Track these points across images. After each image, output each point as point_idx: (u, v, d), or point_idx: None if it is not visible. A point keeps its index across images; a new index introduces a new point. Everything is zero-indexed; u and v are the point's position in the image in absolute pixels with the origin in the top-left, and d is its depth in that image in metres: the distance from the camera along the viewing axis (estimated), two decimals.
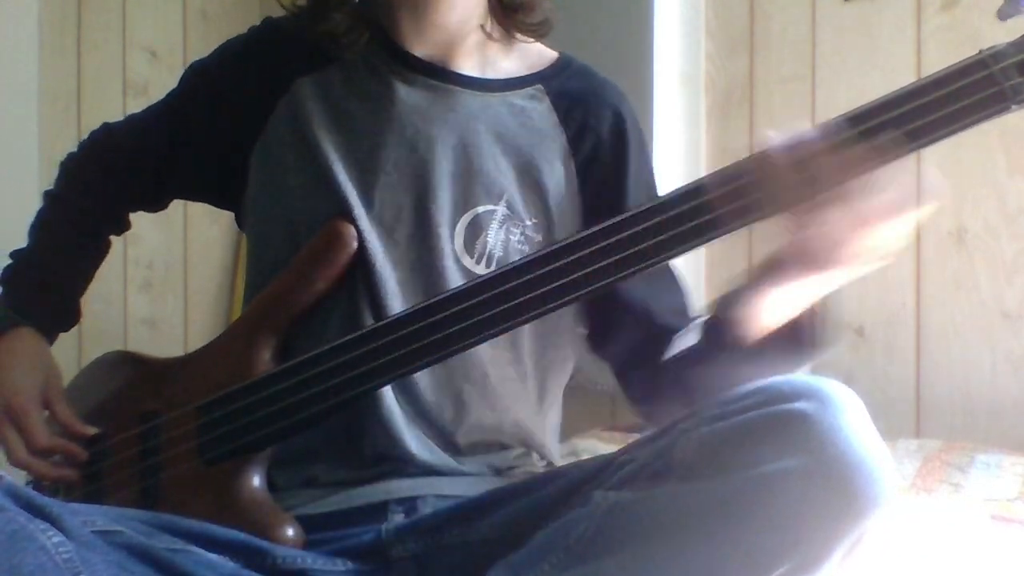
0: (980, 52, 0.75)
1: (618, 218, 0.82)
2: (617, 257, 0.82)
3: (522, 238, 1.00)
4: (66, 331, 1.14)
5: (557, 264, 0.84)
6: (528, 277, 0.84)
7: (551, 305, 0.84)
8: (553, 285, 0.84)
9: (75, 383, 1.13)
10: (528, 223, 1.01)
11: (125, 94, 2.24)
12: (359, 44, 1.03)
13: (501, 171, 1.01)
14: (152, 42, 2.29)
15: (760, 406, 0.75)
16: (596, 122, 1.05)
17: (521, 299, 0.85)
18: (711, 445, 0.75)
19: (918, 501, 1.29)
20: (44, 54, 2.07)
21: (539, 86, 1.06)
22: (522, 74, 1.07)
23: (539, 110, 1.05)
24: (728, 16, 2.02)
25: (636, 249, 0.81)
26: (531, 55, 1.08)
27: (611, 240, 0.82)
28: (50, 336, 1.10)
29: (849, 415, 0.72)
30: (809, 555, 0.71)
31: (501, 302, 0.85)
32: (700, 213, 0.80)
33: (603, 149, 1.05)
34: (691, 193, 0.81)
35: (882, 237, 0.77)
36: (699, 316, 1.04)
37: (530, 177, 1.02)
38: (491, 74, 1.06)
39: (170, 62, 2.29)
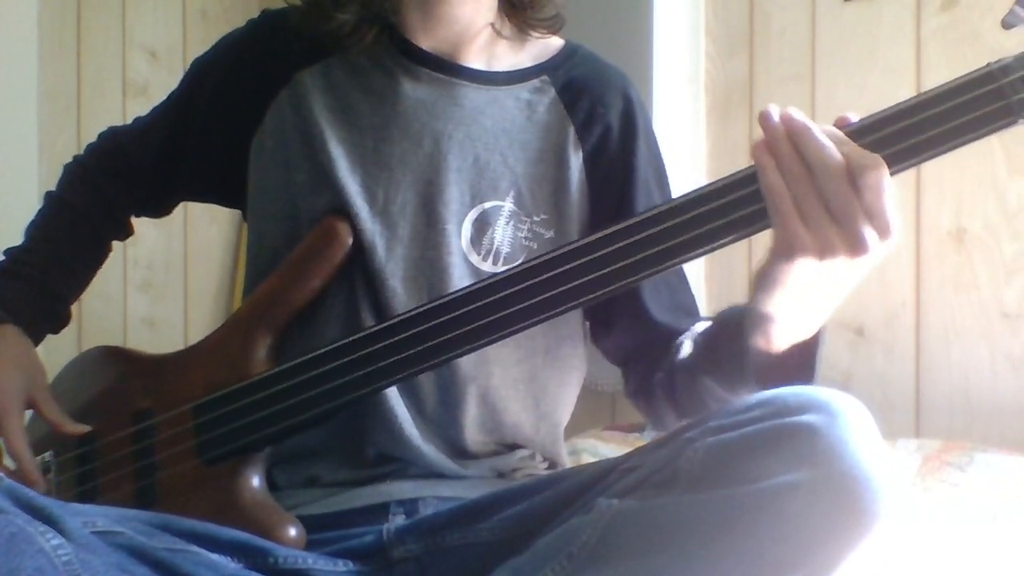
0: (988, 65, 0.73)
1: (628, 222, 0.81)
2: (625, 262, 0.80)
3: (530, 234, 1.00)
4: (55, 333, 1.12)
5: (568, 266, 0.82)
6: (537, 279, 0.83)
7: (561, 308, 0.83)
8: (563, 288, 0.82)
9: (61, 379, 1.11)
10: (536, 219, 1.00)
11: (125, 94, 2.24)
12: (365, 42, 1.01)
13: (508, 166, 1.01)
14: (152, 42, 2.29)
15: (767, 418, 0.74)
16: (604, 109, 1.05)
17: (530, 302, 0.83)
18: (717, 456, 0.74)
19: (917, 501, 1.29)
20: (44, 54, 2.07)
21: (544, 77, 1.06)
22: (527, 65, 1.07)
23: (545, 103, 1.04)
24: (728, 16, 2.02)
25: (646, 254, 0.80)
26: (537, 45, 1.08)
27: (620, 244, 0.81)
28: (36, 337, 1.08)
29: (857, 428, 0.71)
30: (814, 569, 0.70)
31: (509, 305, 0.84)
32: (707, 219, 0.78)
33: (611, 135, 1.05)
34: (700, 199, 0.79)
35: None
36: (701, 319, 1.03)
37: (538, 172, 1.02)
38: (497, 67, 1.05)
39: (170, 62, 2.29)
